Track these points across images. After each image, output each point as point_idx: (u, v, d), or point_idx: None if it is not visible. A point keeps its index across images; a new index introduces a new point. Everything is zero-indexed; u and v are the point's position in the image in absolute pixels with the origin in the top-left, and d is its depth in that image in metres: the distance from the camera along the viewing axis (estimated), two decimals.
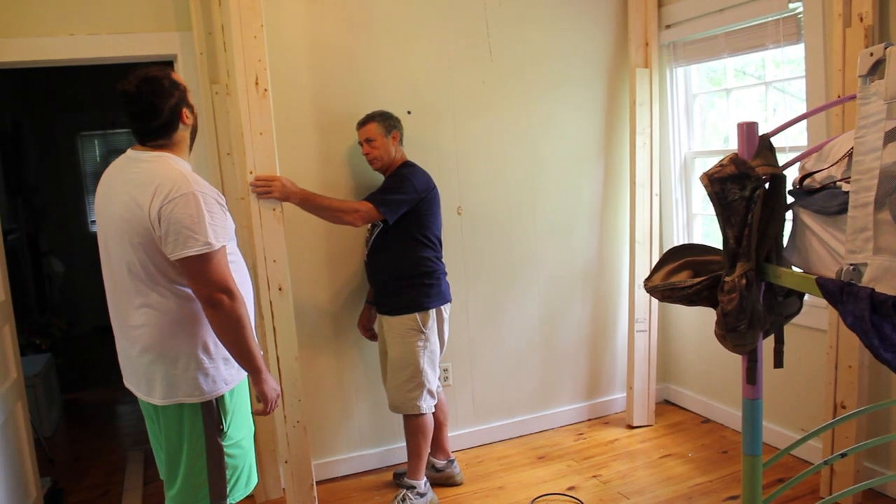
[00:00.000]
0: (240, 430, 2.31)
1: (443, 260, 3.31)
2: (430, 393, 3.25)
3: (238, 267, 2.24)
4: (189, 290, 2.11)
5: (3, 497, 2.63)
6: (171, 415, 2.18)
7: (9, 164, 5.93)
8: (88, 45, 3.11)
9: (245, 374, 2.27)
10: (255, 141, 2.96)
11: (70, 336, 6.06)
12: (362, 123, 3.25)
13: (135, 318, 2.13)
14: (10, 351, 2.92)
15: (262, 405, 2.27)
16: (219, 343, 2.16)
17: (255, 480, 2.39)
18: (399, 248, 3.18)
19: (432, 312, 3.23)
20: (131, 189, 2.07)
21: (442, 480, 3.49)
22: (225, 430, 2.23)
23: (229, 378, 2.23)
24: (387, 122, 3.22)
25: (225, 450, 2.23)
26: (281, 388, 3.01)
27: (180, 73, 3.22)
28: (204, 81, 3.19)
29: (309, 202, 3.03)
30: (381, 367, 3.45)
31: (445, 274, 3.32)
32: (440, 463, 3.51)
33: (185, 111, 2.19)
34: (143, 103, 2.11)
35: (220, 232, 2.08)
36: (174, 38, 3.22)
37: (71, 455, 4.25)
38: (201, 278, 2.04)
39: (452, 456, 3.56)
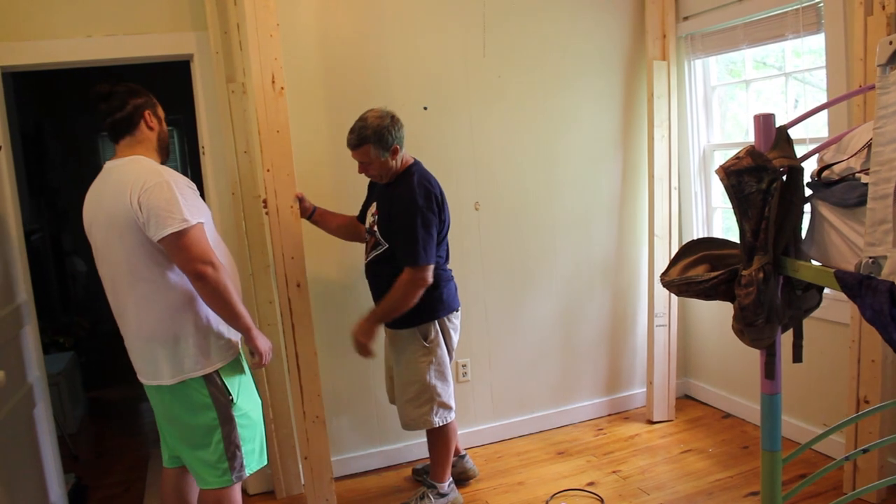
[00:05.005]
0: (248, 401, 2.50)
1: (448, 266, 3.16)
2: (443, 405, 3.11)
3: (219, 249, 2.41)
4: (177, 276, 2.31)
5: (28, 493, 2.67)
6: (180, 393, 2.37)
7: (31, 166, 6.00)
8: (106, 46, 3.14)
9: (240, 347, 2.49)
10: (271, 139, 2.98)
11: (93, 334, 6.13)
12: (355, 146, 2.91)
13: (131, 309, 2.34)
14: (33, 349, 2.95)
15: (257, 358, 2.47)
16: (211, 320, 2.37)
17: (265, 457, 2.60)
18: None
19: (435, 324, 3.06)
20: (113, 190, 2.30)
21: (456, 476, 3.47)
22: (234, 400, 2.42)
23: (227, 351, 2.43)
24: (383, 141, 2.87)
25: (236, 419, 2.43)
26: (301, 385, 3.05)
27: (197, 73, 3.29)
28: (220, 80, 3.20)
29: (383, 318, 2.97)
30: (385, 380, 3.39)
31: (450, 280, 3.13)
32: (451, 459, 3.49)
33: (149, 114, 2.43)
34: (112, 97, 2.39)
35: (195, 211, 2.28)
36: (190, 38, 3.23)
37: (95, 452, 4.31)
38: (184, 253, 2.23)
39: (463, 451, 3.54)
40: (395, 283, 2.92)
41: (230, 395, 2.41)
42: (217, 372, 2.39)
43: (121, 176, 2.30)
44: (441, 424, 3.13)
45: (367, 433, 3.69)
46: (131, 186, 2.23)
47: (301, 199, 3.12)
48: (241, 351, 2.51)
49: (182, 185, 2.30)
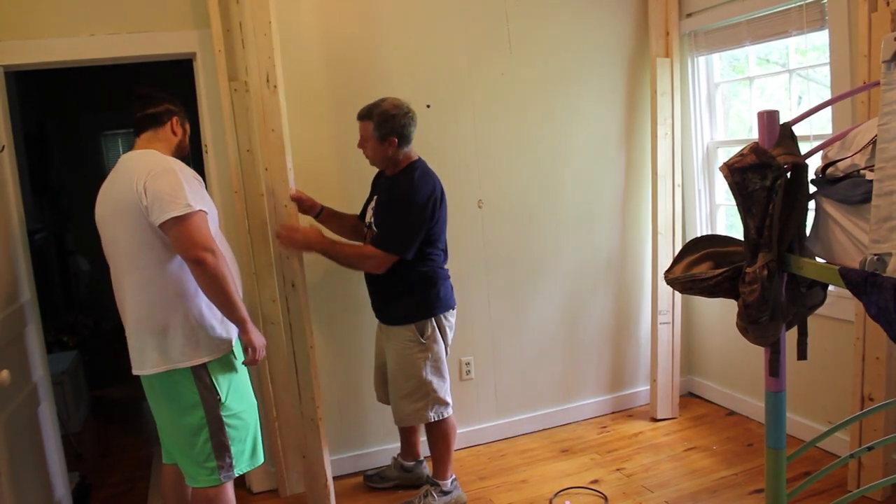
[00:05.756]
0: (240, 402, 2.51)
1: (445, 266, 3.15)
2: (439, 401, 3.11)
3: (221, 246, 2.42)
4: (174, 263, 2.33)
5: (32, 492, 2.68)
6: (168, 386, 2.39)
7: (35, 165, 6.01)
8: (109, 44, 3.13)
9: (232, 345, 2.48)
10: (267, 138, 2.98)
11: (97, 333, 6.14)
12: (360, 117, 3.00)
13: (127, 295, 2.37)
14: (37, 349, 2.95)
15: (251, 353, 2.47)
16: (204, 313, 2.39)
17: (261, 458, 2.59)
18: (397, 260, 2.99)
19: (431, 321, 3.07)
20: (123, 179, 2.35)
21: (412, 481, 3.45)
22: (222, 400, 2.43)
23: (216, 346, 2.43)
24: (383, 126, 2.92)
25: (225, 420, 2.44)
26: (298, 385, 3.05)
27: (199, 71, 3.28)
28: (223, 79, 3.19)
29: (329, 253, 3.01)
30: (374, 375, 3.37)
31: (447, 278, 3.14)
32: (409, 464, 3.48)
33: (178, 120, 2.53)
34: (149, 96, 2.50)
35: (199, 200, 2.32)
36: (192, 37, 3.23)
37: (98, 450, 4.32)
38: (185, 238, 2.26)
39: (421, 458, 3.50)
40: (359, 246, 2.99)
41: (218, 394, 2.42)
42: (205, 367, 2.40)
43: (131, 165, 2.36)
44: (437, 419, 3.13)
45: (371, 432, 3.69)
46: (138, 173, 2.29)
47: (301, 199, 3.12)
48: (233, 350, 2.50)
49: (189, 175, 2.36)
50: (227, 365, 2.48)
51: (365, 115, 2.97)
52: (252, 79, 2.99)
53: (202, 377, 2.39)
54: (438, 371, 3.12)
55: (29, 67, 3.14)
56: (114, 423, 4.79)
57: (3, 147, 2.84)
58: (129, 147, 2.51)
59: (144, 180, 2.26)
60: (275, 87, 2.98)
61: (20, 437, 2.64)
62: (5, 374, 2.37)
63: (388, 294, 3.11)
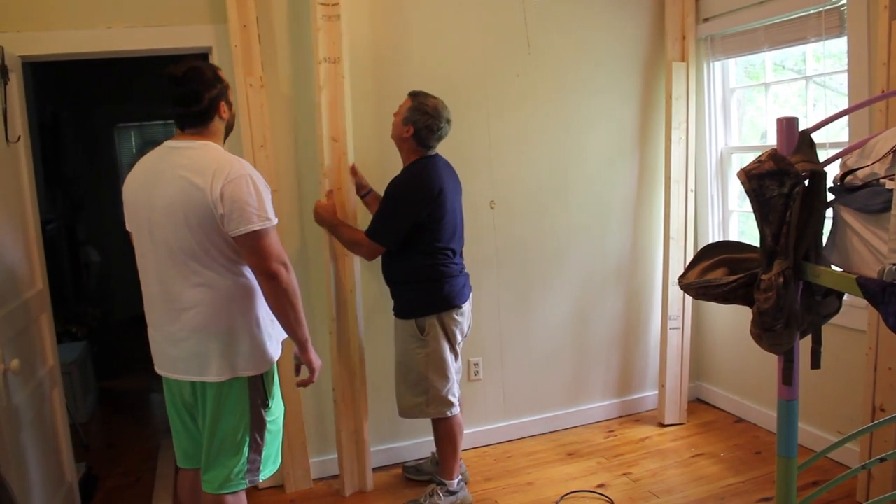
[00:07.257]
0: (278, 407, 2.45)
1: (455, 262, 3.14)
2: (439, 398, 3.11)
3: None
4: (241, 268, 2.25)
5: (40, 481, 2.68)
6: (221, 390, 2.27)
7: (48, 156, 6.03)
8: (125, 37, 3.14)
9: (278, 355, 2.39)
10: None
11: (106, 324, 6.15)
12: (409, 93, 3.09)
13: (188, 298, 2.22)
14: (47, 338, 2.97)
15: (309, 374, 2.41)
16: (268, 323, 2.31)
17: (279, 461, 2.52)
18: (402, 254, 3.06)
19: (433, 319, 3.08)
20: (186, 174, 2.17)
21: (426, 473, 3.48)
22: (270, 405, 2.37)
23: (273, 355, 2.36)
24: (413, 112, 3.00)
25: (267, 424, 2.37)
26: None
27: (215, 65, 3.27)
28: (239, 74, 3.20)
29: (333, 231, 3.17)
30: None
31: (456, 276, 3.12)
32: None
33: (223, 105, 2.32)
34: (186, 89, 2.24)
35: (273, 210, 2.23)
36: (209, 31, 3.23)
37: (105, 441, 4.33)
38: (262, 252, 2.17)
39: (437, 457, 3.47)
40: (357, 231, 3.12)
41: (268, 399, 2.35)
42: (262, 376, 2.32)
43: (196, 162, 2.19)
44: (438, 417, 3.14)
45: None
46: (213, 174, 2.14)
47: (355, 172, 3.28)
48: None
49: (260, 181, 2.22)
50: (274, 371, 2.41)
51: (412, 94, 3.09)
52: (267, 76, 2.99)
53: (257, 385, 2.31)
54: (439, 370, 3.11)
55: (46, 59, 3.16)
56: (121, 415, 4.81)
57: (19, 137, 2.85)
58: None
59: (221, 186, 2.12)
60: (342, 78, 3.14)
61: (30, 424, 2.65)
62: (16, 363, 2.38)
63: (394, 287, 3.18)
